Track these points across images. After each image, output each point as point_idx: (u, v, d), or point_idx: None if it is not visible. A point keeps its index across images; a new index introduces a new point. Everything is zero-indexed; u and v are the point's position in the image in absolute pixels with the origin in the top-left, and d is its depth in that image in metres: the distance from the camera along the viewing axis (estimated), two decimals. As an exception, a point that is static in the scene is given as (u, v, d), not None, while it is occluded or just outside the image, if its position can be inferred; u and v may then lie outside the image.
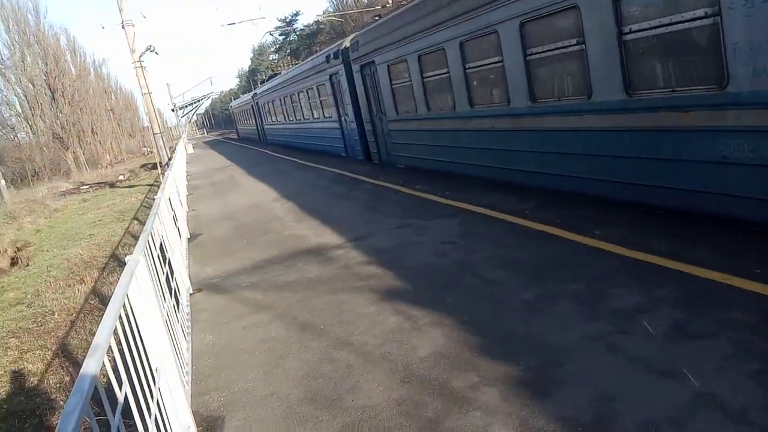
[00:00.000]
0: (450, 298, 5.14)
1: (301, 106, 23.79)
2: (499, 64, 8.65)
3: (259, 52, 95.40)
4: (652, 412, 3.02)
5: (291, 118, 26.95)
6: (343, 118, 17.99)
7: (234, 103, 57.94)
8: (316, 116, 21.60)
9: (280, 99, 28.39)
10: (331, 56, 17.20)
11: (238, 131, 58.40)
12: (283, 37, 79.72)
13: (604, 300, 4.46)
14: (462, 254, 6.30)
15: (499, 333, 4.27)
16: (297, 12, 72.18)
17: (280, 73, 32.00)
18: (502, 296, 4.95)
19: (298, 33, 68.57)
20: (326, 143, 20.84)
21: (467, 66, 9.68)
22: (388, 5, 28.51)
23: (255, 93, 38.01)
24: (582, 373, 3.52)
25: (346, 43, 16.04)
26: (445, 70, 10.37)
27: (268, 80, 34.67)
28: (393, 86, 12.99)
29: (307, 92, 21.68)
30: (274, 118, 32.50)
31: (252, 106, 40.02)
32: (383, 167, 14.59)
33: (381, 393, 3.77)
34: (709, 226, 5.59)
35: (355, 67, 15.07)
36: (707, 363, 3.36)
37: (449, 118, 10.70)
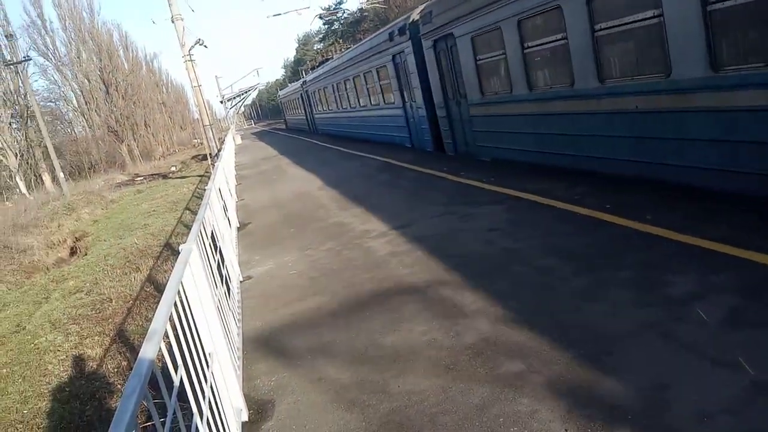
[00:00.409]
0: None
1: (356, 93, 21.78)
2: (655, 20, 6.35)
3: (304, 42, 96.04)
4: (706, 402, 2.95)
5: (345, 106, 24.87)
6: (408, 104, 15.90)
7: (282, 93, 56.52)
8: (374, 103, 19.57)
9: (332, 86, 26.43)
10: (396, 33, 14.95)
11: (286, 121, 56.98)
12: (327, 26, 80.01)
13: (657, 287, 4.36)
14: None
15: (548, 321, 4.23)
16: (341, 0, 72.05)
17: (331, 58, 29.76)
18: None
19: (342, 21, 68.67)
20: (387, 132, 18.83)
21: (597, 27, 7.31)
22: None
23: (304, 81, 36.16)
24: (634, 362, 3.46)
25: (415, 15, 13.78)
26: (559, 37, 8.14)
27: (318, 66, 32.35)
28: (478, 63, 10.82)
29: (364, 76, 19.74)
30: (325, 107, 30.46)
31: (301, 94, 38.28)
32: (461, 160, 12.52)
33: (427, 379, 3.80)
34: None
35: (426, 43, 12.92)
36: (765, 351, 3.25)
37: (564, 98, 8.45)
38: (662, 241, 5.21)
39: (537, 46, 8.87)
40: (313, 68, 36.12)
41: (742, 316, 3.68)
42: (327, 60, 30.33)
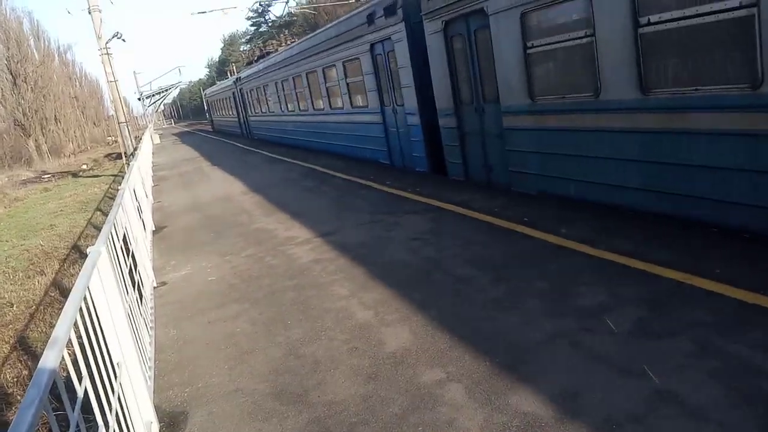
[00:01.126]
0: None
1: (309, 93, 18.04)
2: None
3: (230, 42, 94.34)
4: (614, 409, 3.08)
5: (291, 108, 20.98)
6: (390, 109, 12.29)
7: (209, 91, 51.23)
8: (337, 106, 15.73)
9: (274, 84, 22.46)
10: (379, 14, 11.36)
11: (213, 122, 51.73)
12: (255, 27, 78.99)
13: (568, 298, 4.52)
14: None
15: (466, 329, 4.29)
16: (269, 2, 71.27)
17: (272, 51, 25.66)
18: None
19: (269, 23, 67.93)
20: (355, 143, 15.00)
21: None
22: (361, -1, 28.42)
23: (238, 78, 31.90)
24: (547, 370, 3.57)
25: None
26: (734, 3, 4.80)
27: (257, 61, 27.68)
28: (529, 52, 7.34)
29: (323, 72, 15.96)
30: (263, 108, 26.18)
31: (233, 93, 33.72)
32: (482, 190, 8.95)
33: (347, 389, 3.77)
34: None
35: (432, 26, 9.41)
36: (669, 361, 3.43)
37: (734, 108, 5.07)
38: None
39: (664, 22, 5.46)
40: (249, 63, 31.55)
41: (648, 327, 3.89)
42: (267, 54, 26.18)
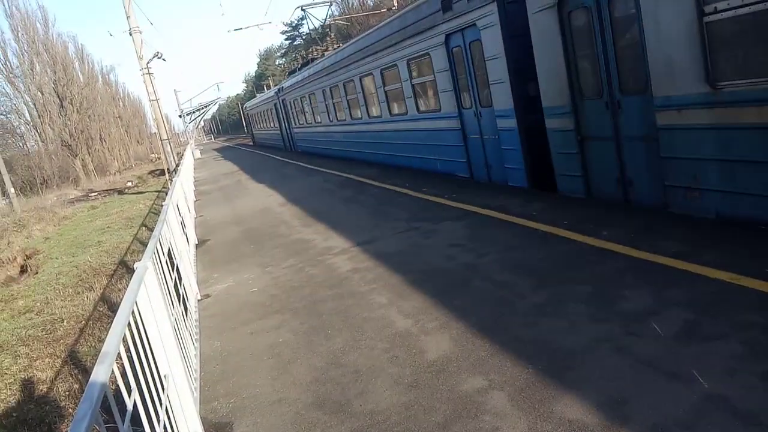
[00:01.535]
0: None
1: (363, 99, 16.15)
2: None
3: (266, 57, 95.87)
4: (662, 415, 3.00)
5: (343, 118, 19.10)
6: (470, 112, 10.39)
7: (250, 104, 49.39)
8: (398, 112, 13.88)
9: (322, 91, 20.45)
10: None
11: (253, 136, 50.42)
12: (289, 41, 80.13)
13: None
14: None
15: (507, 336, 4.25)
16: (303, 16, 72.26)
17: (318, 57, 23.39)
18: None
19: (304, 36, 68.85)
20: (421, 154, 13.09)
21: None
22: (393, 8, 28.56)
23: (280, 88, 29.83)
24: (592, 376, 3.50)
25: None
26: None
27: (301, 68, 25.19)
28: (708, 18, 5.33)
29: (381, 75, 14.13)
30: (309, 119, 24.34)
31: (275, 104, 32.01)
32: (625, 213, 6.83)
33: (389, 398, 3.77)
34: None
35: (538, 2, 7.63)
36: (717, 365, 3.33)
37: None
38: None
39: None
40: (291, 72, 29.11)
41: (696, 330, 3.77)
42: (312, 60, 24.15)
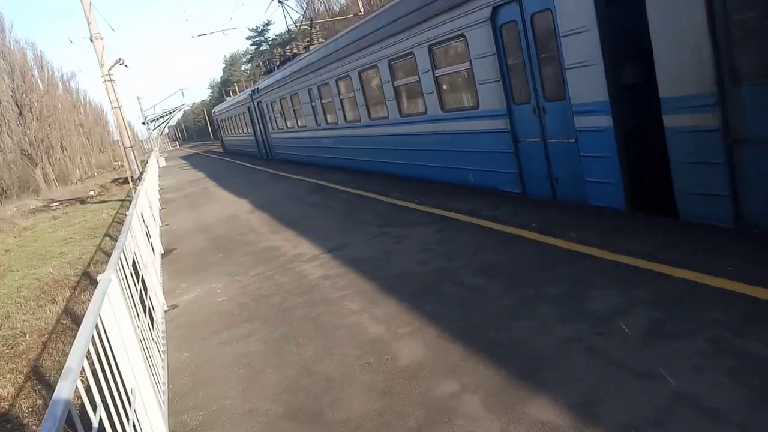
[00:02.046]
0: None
1: (363, 97, 13.64)
2: None
3: (231, 63, 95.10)
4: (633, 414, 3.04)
5: (332, 121, 16.63)
6: (527, 108, 7.95)
7: (219, 108, 45.02)
8: (414, 111, 11.40)
9: (307, 91, 17.89)
10: None
11: (223, 143, 46.72)
12: (255, 47, 79.68)
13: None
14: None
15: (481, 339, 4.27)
16: (268, 22, 71.97)
17: (302, 52, 21.03)
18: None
19: (270, 42, 68.53)
20: (451, 163, 10.37)
21: None
22: (360, 13, 28.62)
23: (255, 90, 26.90)
24: (563, 377, 3.54)
25: None
26: None
27: (280, 66, 22.46)
28: None
29: (390, 67, 11.64)
30: (291, 123, 21.40)
31: (249, 107, 28.81)
32: None
33: (362, 405, 3.74)
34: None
35: None
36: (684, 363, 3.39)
37: None
38: None
39: None
40: (269, 71, 26.40)
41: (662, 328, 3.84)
42: (293, 57, 21.34)
